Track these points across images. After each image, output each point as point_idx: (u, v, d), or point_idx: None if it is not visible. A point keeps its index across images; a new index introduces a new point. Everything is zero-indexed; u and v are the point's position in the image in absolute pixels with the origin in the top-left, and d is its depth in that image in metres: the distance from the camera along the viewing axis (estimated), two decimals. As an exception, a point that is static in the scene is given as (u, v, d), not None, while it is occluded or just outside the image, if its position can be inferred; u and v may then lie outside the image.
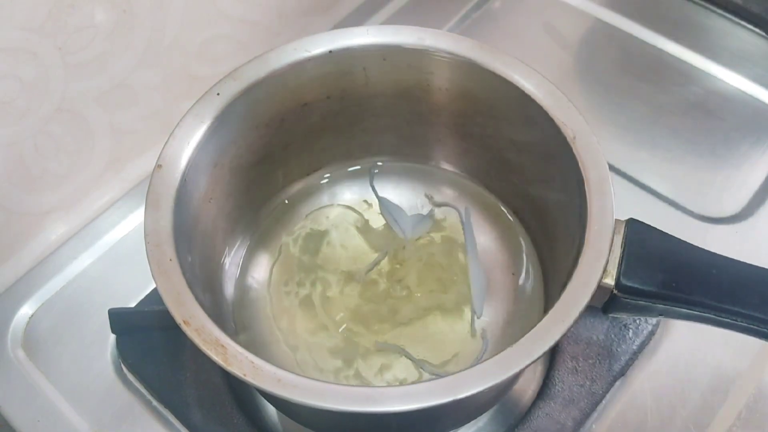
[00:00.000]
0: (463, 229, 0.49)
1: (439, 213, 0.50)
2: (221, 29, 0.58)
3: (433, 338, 0.46)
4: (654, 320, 0.49)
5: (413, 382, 0.39)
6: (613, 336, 0.49)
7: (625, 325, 0.49)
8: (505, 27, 0.69)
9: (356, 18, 0.68)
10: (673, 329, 0.50)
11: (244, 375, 0.33)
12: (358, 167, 0.52)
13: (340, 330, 0.46)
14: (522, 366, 0.32)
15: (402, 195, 0.52)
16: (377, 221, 0.50)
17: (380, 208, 0.50)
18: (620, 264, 0.36)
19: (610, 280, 0.36)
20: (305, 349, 0.45)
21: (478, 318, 0.46)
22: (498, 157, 0.48)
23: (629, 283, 0.36)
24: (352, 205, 0.51)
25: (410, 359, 0.45)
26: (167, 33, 0.54)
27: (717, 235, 0.54)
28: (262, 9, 0.60)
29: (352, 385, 0.39)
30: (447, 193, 0.51)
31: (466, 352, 0.45)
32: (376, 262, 0.48)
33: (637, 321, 0.49)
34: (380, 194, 0.51)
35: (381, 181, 0.52)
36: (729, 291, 0.35)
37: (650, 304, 0.36)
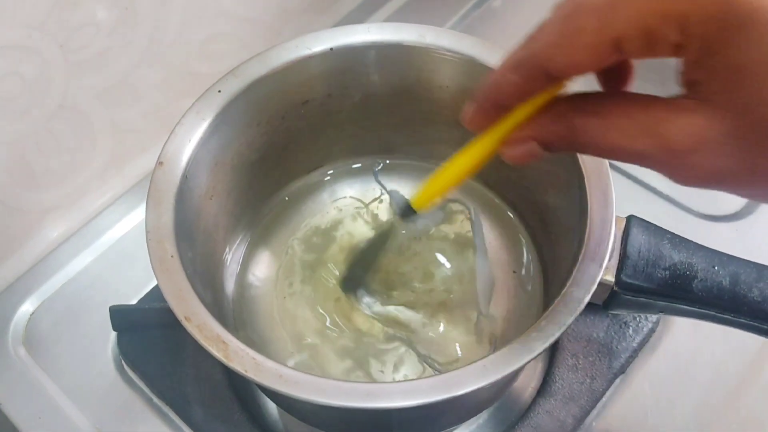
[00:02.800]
0: (472, 226, 0.49)
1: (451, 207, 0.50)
2: (222, 27, 0.58)
3: (439, 339, 0.45)
4: (654, 318, 0.49)
5: (415, 378, 0.39)
6: (613, 333, 0.49)
7: (625, 323, 0.49)
8: (505, 25, 0.69)
9: (357, 16, 0.68)
10: (673, 327, 0.50)
11: (246, 371, 0.33)
12: (359, 165, 0.52)
13: (348, 330, 0.46)
14: (523, 362, 0.32)
15: (403, 192, 0.52)
16: (385, 216, 0.50)
17: (390, 202, 0.50)
18: (620, 261, 0.36)
19: (610, 277, 0.36)
20: (311, 348, 0.45)
21: (483, 316, 0.46)
22: (497, 155, 0.48)
23: (630, 280, 0.36)
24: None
25: (416, 353, 0.44)
26: (168, 31, 0.54)
27: (717, 233, 0.54)
28: (263, 7, 0.60)
29: (353, 381, 0.39)
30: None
31: (472, 355, 0.45)
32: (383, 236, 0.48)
33: (638, 319, 0.49)
34: (378, 192, 0.51)
35: (382, 179, 0.52)
36: (730, 288, 0.35)
37: (651, 300, 0.36)
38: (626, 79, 0.30)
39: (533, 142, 0.30)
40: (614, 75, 0.30)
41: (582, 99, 0.29)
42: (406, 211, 0.38)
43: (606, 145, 0.27)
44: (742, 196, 0.28)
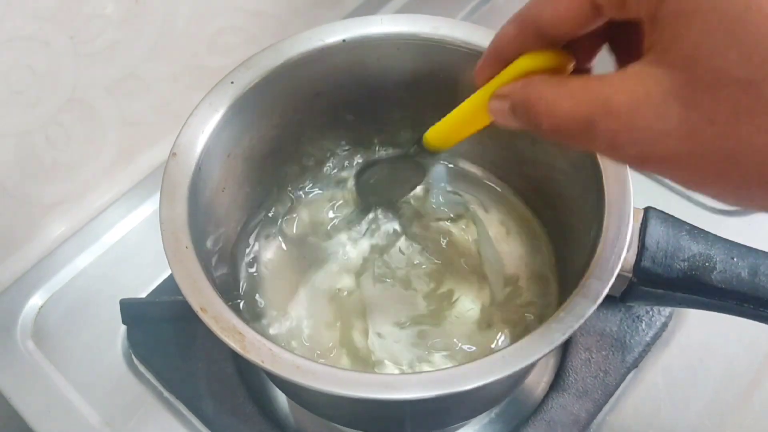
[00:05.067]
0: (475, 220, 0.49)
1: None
2: (231, 20, 0.58)
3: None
4: (667, 312, 0.49)
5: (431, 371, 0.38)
6: (626, 328, 0.48)
7: (638, 317, 0.49)
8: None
9: (366, 10, 0.68)
10: (686, 321, 0.50)
11: (263, 362, 0.32)
12: (371, 158, 0.52)
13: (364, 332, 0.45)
14: (543, 353, 0.32)
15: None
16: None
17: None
18: (639, 252, 0.36)
19: (628, 269, 0.36)
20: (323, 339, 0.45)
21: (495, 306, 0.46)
22: (512, 148, 0.47)
23: (649, 272, 0.36)
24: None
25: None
26: (178, 24, 0.54)
27: (731, 227, 0.53)
28: (272, 1, 0.60)
29: (371, 373, 0.39)
30: (459, 185, 0.51)
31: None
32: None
33: (650, 312, 0.49)
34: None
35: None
36: (749, 279, 0.35)
37: (669, 292, 0.36)
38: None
39: (507, 101, 0.30)
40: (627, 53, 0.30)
41: (556, 75, 0.29)
42: (419, 142, 0.40)
43: (555, 113, 0.27)
44: (690, 182, 0.25)
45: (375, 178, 0.47)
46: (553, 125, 0.27)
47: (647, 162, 0.25)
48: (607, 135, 0.25)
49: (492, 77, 0.32)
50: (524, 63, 0.30)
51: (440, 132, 0.38)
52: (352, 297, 0.46)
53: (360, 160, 0.52)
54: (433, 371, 0.32)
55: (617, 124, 0.25)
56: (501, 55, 0.31)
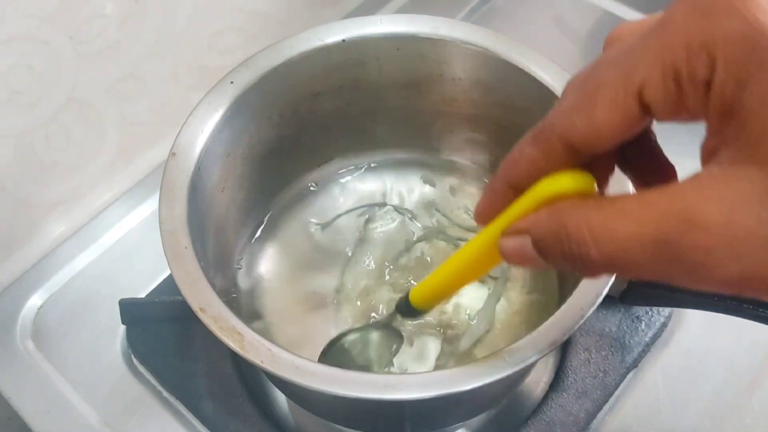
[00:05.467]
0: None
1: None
2: (231, 20, 0.58)
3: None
4: (666, 312, 0.49)
5: (431, 371, 0.38)
6: (625, 328, 0.48)
7: (637, 317, 0.49)
8: (513, 19, 0.68)
9: (365, 10, 0.68)
10: (685, 321, 0.50)
11: (262, 362, 0.32)
12: (370, 158, 0.52)
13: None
14: (543, 353, 0.32)
15: (412, 186, 0.51)
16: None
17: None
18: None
19: (628, 269, 0.36)
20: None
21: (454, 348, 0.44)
22: (506, 145, 0.47)
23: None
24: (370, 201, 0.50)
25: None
26: (178, 24, 0.54)
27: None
28: (272, 0, 0.60)
29: (370, 373, 0.39)
30: (454, 184, 0.51)
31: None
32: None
33: (650, 313, 0.49)
34: (389, 186, 0.51)
35: (390, 173, 0.52)
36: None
37: (669, 293, 0.36)
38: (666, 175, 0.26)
39: (527, 237, 0.24)
40: (650, 172, 0.27)
41: (591, 197, 0.24)
42: (404, 307, 0.36)
43: (608, 240, 0.21)
44: None
45: (347, 351, 0.42)
46: (608, 255, 0.22)
47: (752, 283, 0.20)
48: (696, 255, 0.20)
49: (501, 210, 0.26)
50: (545, 189, 0.24)
51: (431, 291, 0.34)
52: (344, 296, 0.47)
53: (360, 160, 0.52)
54: (433, 371, 0.32)
55: (709, 239, 0.20)
56: (514, 184, 0.26)
